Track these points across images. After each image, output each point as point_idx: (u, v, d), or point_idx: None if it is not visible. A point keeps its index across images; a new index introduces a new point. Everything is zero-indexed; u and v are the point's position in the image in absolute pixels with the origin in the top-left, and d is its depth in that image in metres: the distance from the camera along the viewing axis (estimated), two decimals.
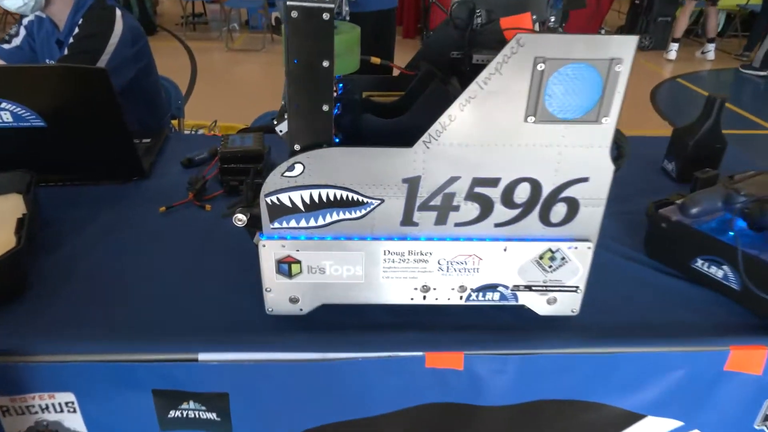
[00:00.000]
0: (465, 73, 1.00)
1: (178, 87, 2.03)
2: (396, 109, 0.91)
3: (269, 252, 0.79)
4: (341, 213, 0.77)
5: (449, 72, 0.95)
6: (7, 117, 1.11)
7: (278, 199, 0.76)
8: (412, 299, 0.84)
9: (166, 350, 0.81)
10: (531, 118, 0.70)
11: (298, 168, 0.74)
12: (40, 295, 0.90)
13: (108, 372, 0.80)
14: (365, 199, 0.76)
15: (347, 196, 0.76)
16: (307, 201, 0.76)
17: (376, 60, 1.00)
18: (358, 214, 0.77)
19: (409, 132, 0.81)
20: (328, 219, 0.78)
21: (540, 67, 0.67)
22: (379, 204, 0.76)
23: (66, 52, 1.55)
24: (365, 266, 0.80)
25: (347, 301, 0.84)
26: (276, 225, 0.78)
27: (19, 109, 1.11)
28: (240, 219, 0.89)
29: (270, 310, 0.84)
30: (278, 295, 0.82)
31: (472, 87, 0.69)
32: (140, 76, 1.68)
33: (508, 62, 0.67)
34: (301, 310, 0.84)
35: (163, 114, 1.83)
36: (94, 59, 1.54)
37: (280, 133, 0.86)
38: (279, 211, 0.77)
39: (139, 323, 0.85)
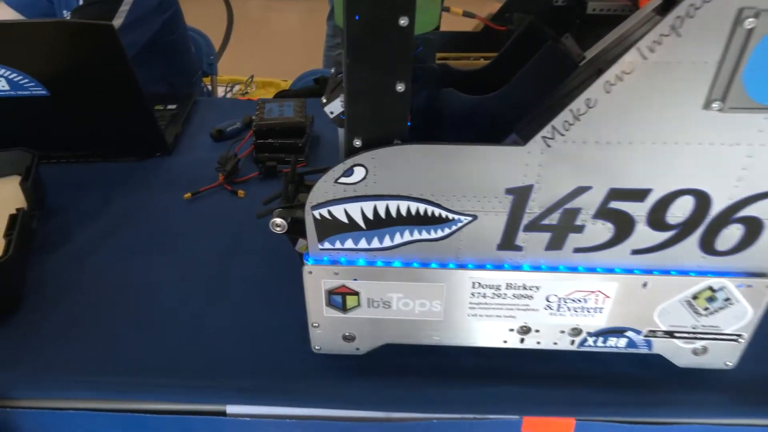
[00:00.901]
0: (578, 28, 0.75)
1: (210, 40, 1.81)
2: (485, 79, 0.68)
3: (317, 280, 0.59)
4: (416, 232, 0.56)
5: (553, 26, 0.70)
6: (2, 85, 0.93)
7: (330, 212, 0.55)
8: (505, 342, 0.63)
9: (186, 399, 0.63)
10: (716, 104, 0.46)
11: (359, 172, 0.52)
12: (32, 314, 0.72)
13: (111, 424, 0.63)
14: (451, 215, 0.54)
15: (426, 211, 0.54)
16: (370, 216, 0.55)
17: (457, 11, 0.75)
18: (440, 234, 0.56)
19: (507, 113, 0.58)
20: (398, 239, 0.56)
21: (748, 24, 0.42)
22: (470, 221, 0.55)
23: (81, 1, 1.34)
24: (446, 301, 0.59)
25: (419, 341, 0.63)
26: (327, 245, 0.58)
27: (16, 75, 0.92)
28: (278, 225, 0.69)
29: (317, 348, 0.65)
30: (328, 331, 0.63)
31: (629, 57, 0.45)
32: (166, 28, 1.46)
33: (695, 17, 0.42)
34: (357, 349, 0.64)
35: (193, 72, 1.62)
36: (112, 9, 1.33)
37: (331, 115, 0.64)
38: (331, 228, 0.56)
39: (152, 360, 0.67)
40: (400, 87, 0.48)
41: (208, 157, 1.08)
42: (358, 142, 0.52)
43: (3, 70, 0.91)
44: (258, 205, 0.98)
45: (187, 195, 0.95)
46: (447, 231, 0.56)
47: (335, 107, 0.63)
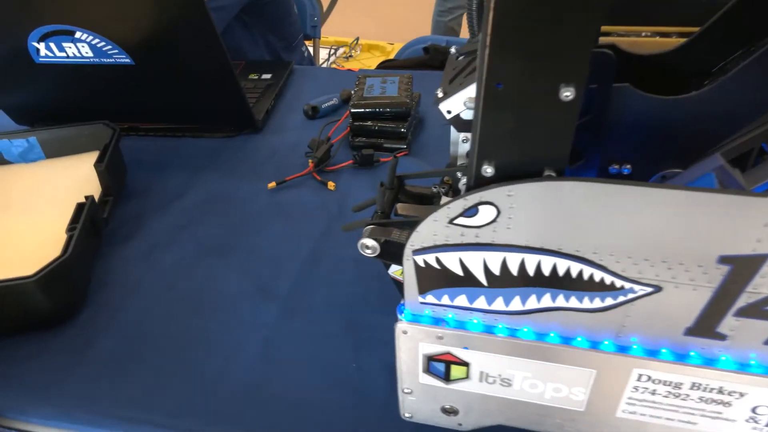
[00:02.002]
0: None
1: (315, 0, 1.67)
2: (676, 70, 0.47)
3: (413, 342, 0.44)
4: (561, 298, 0.38)
5: None
6: (86, 51, 0.84)
7: (439, 260, 0.39)
8: None
9: None
10: None
11: (487, 213, 0.35)
12: (83, 329, 0.64)
13: None
14: (621, 283, 0.36)
15: (583, 274, 0.37)
16: (496, 271, 0.38)
17: None
18: (598, 304, 0.38)
19: (718, 129, 0.38)
20: (532, 304, 0.39)
21: None
22: (649, 294, 0.36)
23: None
24: (592, 390, 0.42)
25: (544, 429, 0.47)
26: (430, 299, 0.42)
27: (99, 41, 0.83)
28: (369, 247, 0.54)
29: (408, 416, 0.50)
30: (424, 400, 0.48)
31: None
32: None
33: None
34: (460, 425, 0.49)
35: (294, 35, 1.50)
36: None
37: (448, 116, 0.47)
38: (438, 280, 0.40)
39: (201, 405, 0.56)
40: (568, 93, 0.30)
41: (299, 137, 0.95)
42: (489, 170, 0.35)
43: (87, 35, 0.83)
44: (351, 200, 0.84)
45: (272, 184, 0.83)
46: (610, 302, 0.38)
47: (455, 105, 0.46)
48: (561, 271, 0.37)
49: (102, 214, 0.73)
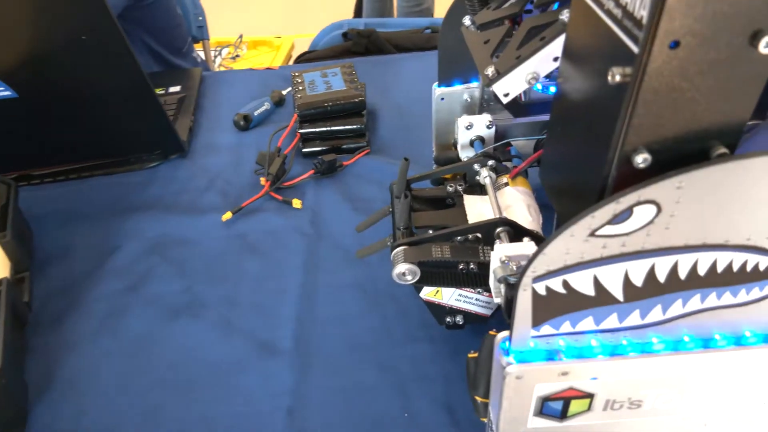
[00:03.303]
0: None
1: None
2: None
3: (526, 386, 0.35)
4: (714, 297, 0.32)
5: None
6: None
7: (566, 283, 0.31)
8: None
9: None
10: None
11: (644, 214, 0.27)
12: None
13: None
14: None
15: (746, 265, 0.30)
16: (639, 282, 0.30)
17: None
18: (756, 294, 0.32)
19: None
20: (676, 311, 0.32)
21: None
22: None
23: None
24: (739, 387, 0.36)
25: None
26: (545, 330, 0.33)
27: None
28: (410, 273, 0.45)
29: None
30: None
31: None
32: None
33: None
34: None
35: (183, 39, 1.32)
36: None
37: (504, 99, 0.38)
38: (560, 306, 0.32)
39: None
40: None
41: (237, 154, 0.81)
42: (643, 159, 0.27)
43: None
44: (324, 216, 0.73)
45: (227, 215, 0.69)
46: (764, 292, 0.31)
47: (514, 84, 0.37)
48: (721, 267, 0.30)
49: (22, 298, 0.55)
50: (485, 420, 0.43)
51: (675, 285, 0.31)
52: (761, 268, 0.30)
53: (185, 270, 0.64)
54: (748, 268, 0.30)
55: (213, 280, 0.63)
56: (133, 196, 0.75)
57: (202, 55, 1.50)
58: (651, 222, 0.28)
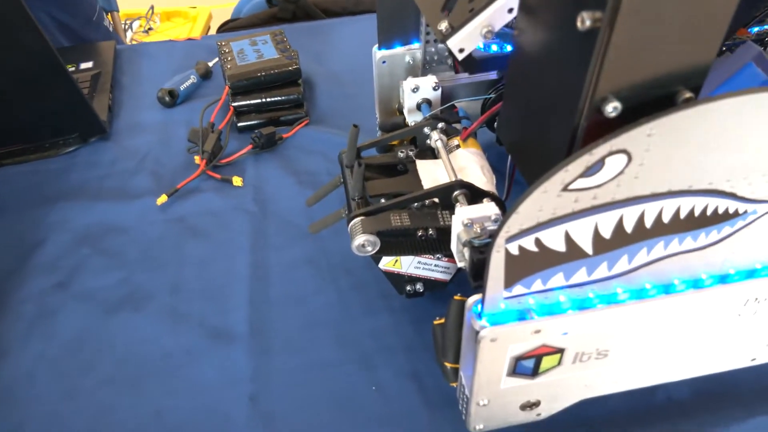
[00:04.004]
0: None
1: None
2: None
3: (500, 348, 0.35)
4: (676, 243, 0.32)
5: None
6: None
7: (539, 241, 0.30)
8: (753, 360, 0.43)
9: None
10: None
11: (615, 164, 0.27)
12: None
13: None
14: (746, 207, 0.31)
15: (706, 209, 0.30)
16: (607, 234, 0.30)
17: None
18: (714, 237, 0.33)
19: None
20: (641, 259, 0.33)
21: None
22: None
23: None
24: (692, 329, 0.37)
25: (632, 387, 0.42)
26: (517, 290, 0.33)
27: None
28: (369, 244, 0.43)
29: (479, 428, 0.42)
30: (502, 405, 0.40)
31: None
32: None
33: None
34: (538, 415, 0.42)
35: (91, 7, 1.20)
36: None
37: (460, 55, 0.36)
38: (532, 265, 0.31)
39: None
40: None
41: (165, 132, 0.76)
42: (613, 107, 0.26)
43: None
44: (268, 192, 0.69)
45: (162, 198, 0.65)
46: (727, 231, 0.32)
47: (469, 40, 0.35)
48: (684, 213, 0.30)
49: None
50: (455, 385, 0.43)
51: (641, 234, 0.31)
52: (720, 211, 0.31)
53: (121, 260, 0.59)
54: (708, 211, 0.31)
55: (153, 268, 0.58)
56: (53, 184, 0.68)
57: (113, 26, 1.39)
58: (621, 172, 0.27)
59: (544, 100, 0.30)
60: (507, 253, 0.30)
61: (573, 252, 0.31)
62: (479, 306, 0.34)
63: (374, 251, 0.44)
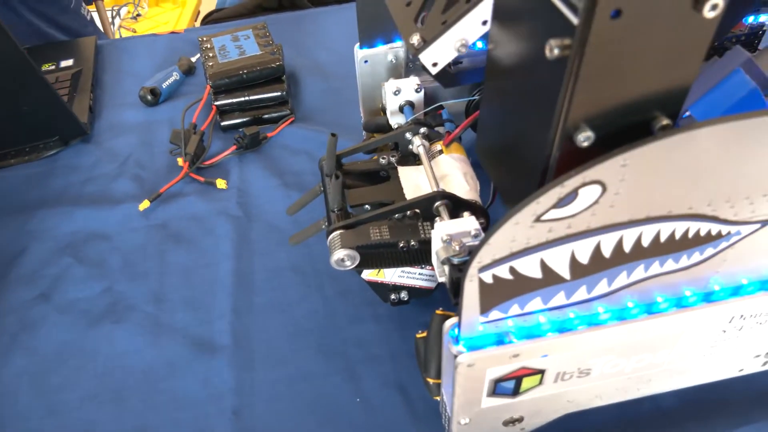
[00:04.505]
0: None
1: None
2: None
3: (478, 372, 0.34)
4: (657, 265, 0.31)
5: None
6: None
7: (513, 270, 0.29)
8: (741, 370, 0.42)
9: None
10: None
11: (589, 195, 0.26)
12: None
13: None
14: (729, 229, 0.30)
15: (687, 232, 0.29)
16: (585, 260, 0.29)
17: None
18: (696, 258, 0.32)
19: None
20: (621, 282, 0.32)
21: None
22: (758, 229, 0.30)
23: None
24: (678, 346, 0.37)
25: (615, 400, 0.41)
26: (494, 315, 0.32)
27: None
28: (348, 258, 0.42)
29: None
30: (482, 423, 0.39)
31: None
32: None
33: None
34: (522, 430, 0.41)
35: None
36: None
37: (433, 69, 0.35)
38: (505, 292, 0.30)
39: None
40: (716, 4, 0.21)
41: (147, 133, 0.75)
42: (586, 137, 0.25)
43: None
44: (254, 195, 0.67)
45: (144, 204, 0.63)
46: (710, 252, 0.31)
47: (442, 54, 0.34)
48: (664, 237, 0.29)
49: None
50: (438, 398, 0.42)
51: (620, 259, 0.30)
52: (702, 233, 0.30)
53: (103, 269, 0.58)
54: (690, 234, 0.30)
55: (135, 277, 0.58)
56: (33, 190, 0.67)
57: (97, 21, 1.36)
58: (596, 202, 0.26)
59: (518, 122, 0.29)
60: (481, 281, 0.29)
61: (549, 278, 0.30)
62: (456, 330, 0.33)
63: (353, 266, 0.43)
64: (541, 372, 0.35)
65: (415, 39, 0.33)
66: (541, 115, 0.26)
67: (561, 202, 0.26)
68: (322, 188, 0.50)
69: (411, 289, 0.50)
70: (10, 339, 0.53)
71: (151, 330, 0.53)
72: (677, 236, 0.29)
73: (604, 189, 0.26)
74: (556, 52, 0.23)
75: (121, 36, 1.81)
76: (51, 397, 0.49)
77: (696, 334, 0.36)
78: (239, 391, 0.48)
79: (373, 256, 0.44)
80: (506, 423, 0.40)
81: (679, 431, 0.43)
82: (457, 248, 0.37)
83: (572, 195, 0.25)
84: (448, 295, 0.40)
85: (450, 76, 0.36)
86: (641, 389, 0.40)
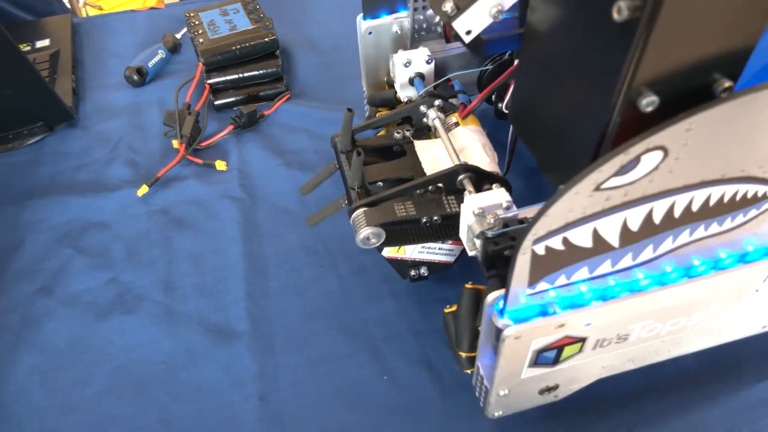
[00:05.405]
0: None
1: None
2: None
3: (524, 344, 0.34)
4: (702, 229, 0.31)
5: None
6: None
7: (567, 240, 0.28)
8: (764, 327, 0.43)
9: None
10: None
11: (650, 161, 0.25)
12: None
13: None
14: None
15: (736, 195, 0.29)
16: (635, 226, 0.29)
17: None
18: (740, 220, 0.32)
19: None
20: (666, 247, 0.32)
21: None
22: None
23: None
24: (713, 306, 0.37)
25: (646, 363, 0.42)
26: (541, 286, 0.32)
27: None
28: (375, 236, 0.42)
29: (498, 414, 0.41)
30: (521, 392, 0.39)
31: None
32: None
33: None
34: (555, 397, 0.42)
35: None
36: None
37: (466, 37, 0.33)
38: (556, 262, 0.30)
39: None
40: None
41: (137, 114, 0.72)
42: (650, 102, 0.24)
43: None
44: (256, 176, 0.65)
45: (142, 189, 0.61)
46: (753, 214, 0.31)
47: (476, 20, 0.33)
48: (713, 201, 0.29)
49: None
50: (469, 371, 0.42)
51: (669, 224, 0.30)
52: (749, 195, 0.30)
53: (106, 259, 0.56)
54: (738, 197, 0.30)
55: (141, 265, 0.56)
56: (23, 179, 0.64)
57: None
58: (656, 168, 0.26)
59: (566, 91, 0.28)
60: (533, 253, 0.29)
61: (599, 247, 0.30)
62: (501, 303, 0.33)
63: (379, 243, 0.42)
64: (582, 340, 0.35)
65: (449, 6, 0.32)
66: (598, 81, 0.25)
67: (622, 170, 0.25)
68: (338, 166, 0.48)
69: (431, 265, 0.49)
70: (14, 337, 0.51)
71: (164, 319, 0.51)
72: (725, 199, 0.29)
73: (666, 154, 0.25)
74: (625, 13, 0.22)
75: (87, 14, 1.73)
76: (66, 394, 0.47)
77: (730, 294, 0.36)
78: (262, 376, 0.47)
79: (396, 232, 0.43)
80: (542, 392, 0.40)
81: (699, 392, 0.44)
82: (492, 220, 0.36)
83: (634, 162, 0.25)
84: (479, 265, 0.39)
85: (483, 44, 0.35)
86: (672, 351, 0.41)
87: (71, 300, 0.53)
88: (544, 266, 0.30)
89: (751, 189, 0.29)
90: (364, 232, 0.41)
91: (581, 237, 0.29)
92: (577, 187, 0.25)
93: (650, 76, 0.23)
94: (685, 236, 0.31)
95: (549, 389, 0.40)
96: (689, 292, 0.34)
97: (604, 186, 0.26)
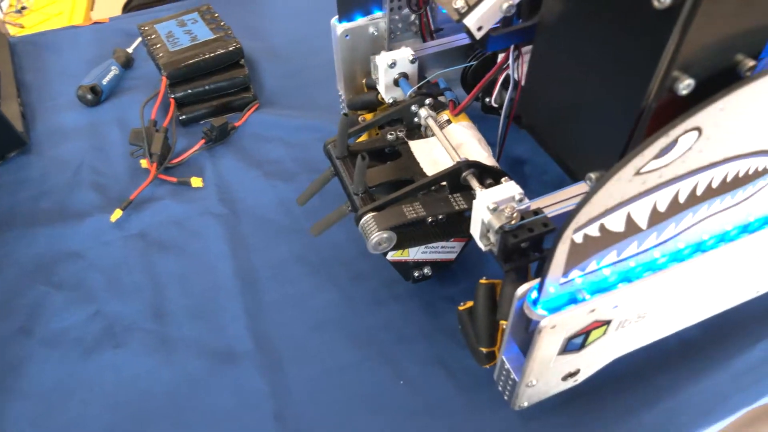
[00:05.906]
0: None
1: None
2: None
3: (559, 333, 0.34)
4: (717, 203, 0.33)
5: None
6: None
7: (603, 227, 0.29)
8: (758, 291, 0.45)
9: None
10: None
11: (686, 142, 0.26)
12: None
13: None
14: None
15: (752, 168, 0.31)
16: (663, 207, 0.30)
17: None
18: (750, 192, 0.33)
19: None
20: (685, 224, 0.33)
21: None
22: None
23: None
24: (728, 274, 0.39)
25: (661, 336, 0.43)
26: (574, 274, 0.32)
27: None
28: (386, 240, 0.41)
29: (524, 405, 0.41)
30: (545, 382, 0.40)
31: None
32: None
33: None
34: (575, 381, 0.43)
35: None
36: None
37: (478, 33, 0.34)
38: (591, 249, 0.31)
39: None
40: None
41: (98, 135, 0.68)
42: (687, 85, 0.25)
43: None
44: (234, 189, 0.62)
45: (116, 213, 0.58)
46: (756, 187, 0.33)
47: (487, 17, 0.33)
48: (730, 177, 0.31)
49: None
50: (487, 366, 0.42)
51: (691, 202, 0.31)
52: (759, 168, 0.31)
53: (85, 291, 0.53)
54: (750, 171, 0.31)
55: (125, 294, 0.52)
56: None
57: None
58: (690, 148, 0.27)
59: (592, 81, 0.29)
60: (572, 242, 0.29)
61: (630, 230, 0.31)
62: (535, 293, 0.33)
63: (390, 247, 0.42)
64: (608, 323, 0.36)
65: (460, 2, 0.32)
66: (631, 68, 0.26)
67: (662, 152, 0.26)
68: (335, 173, 0.47)
69: (434, 264, 0.49)
70: None
71: (159, 348, 0.48)
72: (740, 174, 0.31)
73: (700, 134, 0.26)
74: (668, 2, 0.22)
75: (9, 33, 1.62)
76: None
77: (738, 264, 0.38)
78: (275, 394, 0.46)
79: (405, 234, 0.43)
80: (564, 378, 0.41)
81: (702, 357, 0.46)
82: (511, 215, 0.37)
83: (672, 144, 0.26)
84: (493, 259, 0.39)
85: (493, 39, 0.35)
86: (678, 323, 0.43)
87: (53, 339, 0.49)
88: (580, 254, 0.31)
89: (761, 162, 0.31)
90: (376, 237, 0.41)
91: (616, 222, 0.29)
92: (620, 173, 0.26)
93: (688, 59, 0.24)
94: (703, 211, 0.33)
95: (571, 374, 0.41)
96: (703, 265, 0.36)
97: (643, 170, 0.26)
